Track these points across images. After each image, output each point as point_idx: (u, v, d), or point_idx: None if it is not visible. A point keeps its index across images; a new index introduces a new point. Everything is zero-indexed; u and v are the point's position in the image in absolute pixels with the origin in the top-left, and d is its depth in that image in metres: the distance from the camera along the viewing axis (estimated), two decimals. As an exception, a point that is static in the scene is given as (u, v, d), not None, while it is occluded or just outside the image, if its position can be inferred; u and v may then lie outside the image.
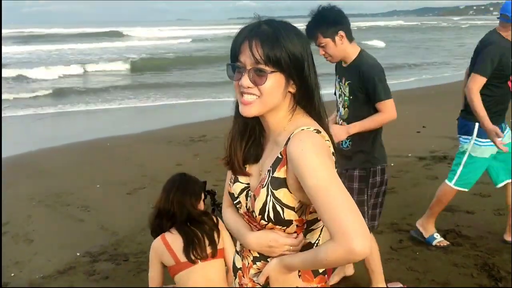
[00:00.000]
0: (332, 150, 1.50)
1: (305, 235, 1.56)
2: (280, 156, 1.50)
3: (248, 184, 1.63)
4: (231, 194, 1.68)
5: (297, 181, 1.44)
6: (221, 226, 2.75)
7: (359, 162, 3.23)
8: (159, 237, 2.70)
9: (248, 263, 1.66)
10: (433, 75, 17.46)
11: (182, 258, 2.62)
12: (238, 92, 1.52)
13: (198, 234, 2.67)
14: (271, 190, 1.50)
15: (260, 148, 1.63)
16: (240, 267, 1.70)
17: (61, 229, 4.91)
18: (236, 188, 1.65)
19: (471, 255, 3.86)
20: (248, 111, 1.50)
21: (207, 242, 2.67)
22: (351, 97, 3.18)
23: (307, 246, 1.55)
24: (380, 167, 3.23)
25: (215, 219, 2.78)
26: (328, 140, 1.50)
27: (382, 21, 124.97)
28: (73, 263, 4.16)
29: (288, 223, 1.51)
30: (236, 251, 1.77)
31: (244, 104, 1.50)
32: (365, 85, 3.10)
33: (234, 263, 1.76)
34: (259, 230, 1.59)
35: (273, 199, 1.50)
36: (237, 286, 1.72)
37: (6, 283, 3.89)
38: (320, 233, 1.59)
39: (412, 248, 4.09)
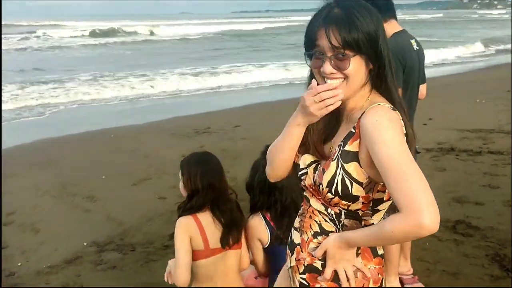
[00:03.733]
0: (404, 130, 1.49)
1: (370, 215, 1.57)
2: (353, 130, 1.51)
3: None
4: (295, 165, 1.68)
5: (369, 155, 1.43)
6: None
7: None
8: (189, 216, 2.50)
9: (308, 238, 1.66)
10: (438, 67, 17.34)
11: (213, 245, 2.51)
12: (320, 78, 1.53)
13: (236, 218, 2.59)
14: (341, 163, 1.50)
15: (336, 128, 1.63)
16: (299, 243, 1.70)
17: (68, 219, 4.89)
18: (305, 159, 1.66)
19: (481, 246, 3.82)
20: None
21: (236, 227, 2.59)
22: None
23: None
24: None
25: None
26: (401, 120, 1.50)
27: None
28: (80, 252, 4.14)
29: (355, 198, 1.51)
30: (294, 227, 1.77)
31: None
32: None
33: (292, 239, 1.76)
34: (322, 204, 1.61)
35: (343, 172, 1.50)
36: (294, 262, 1.71)
37: (13, 273, 3.87)
38: (383, 216, 1.59)
39: (422, 239, 4.05)
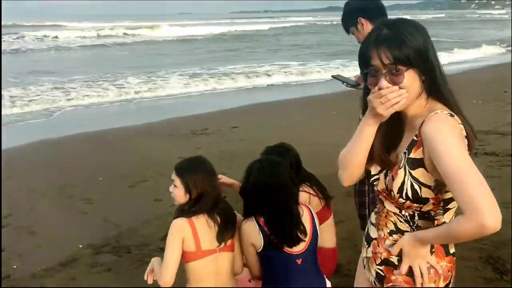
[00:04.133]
0: (464, 133, 1.62)
1: (442, 214, 1.70)
2: (415, 138, 1.65)
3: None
4: (367, 171, 1.82)
5: (432, 161, 1.57)
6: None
7: None
8: (185, 219, 2.53)
9: (384, 235, 1.82)
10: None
11: (204, 246, 2.54)
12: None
13: (230, 216, 2.63)
14: (408, 170, 1.64)
15: (399, 137, 1.76)
16: (375, 237, 1.86)
17: (64, 222, 4.91)
18: (377, 166, 1.80)
19: (475, 248, 3.83)
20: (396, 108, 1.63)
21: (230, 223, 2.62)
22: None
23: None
24: None
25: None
26: (460, 124, 1.62)
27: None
28: (76, 255, 4.16)
29: (425, 201, 1.65)
30: (371, 222, 1.93)
31: None
32: None
33: (368, 233, 1.93)
34: (396, 207, 1.75)
35: (411, 178, 1.64)
36: (370, 254, 1.88)
37: (8, 275, 3.89)
38: (454, 214, 1.71)
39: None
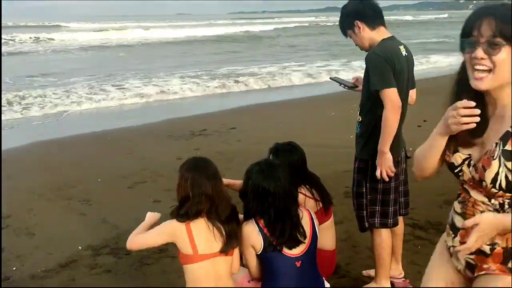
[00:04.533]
0: None
1: None
2: (510, 130, 1.66)
3: (469, 154, 1.80)
4: (450, 163, 1.86)
5: None
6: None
7: (358, 153, 3.26)
8: (183, 224, 2.55)
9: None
10: (432, 68, 17.40)
11: (201, 250, 2.55)
12: (470, 67, 1.69)
13: (234, 227, 2.63)
14: (503, 162, 1.67)
15: (485, 124, 1.75)
16: (462, 227, 1.86)
17: (63, 223, 4.91)
18: (457, 158, 1.83)
19: (472, 249, 3.85)
20: (480, 85, 1.66)
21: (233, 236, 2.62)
22: (363, 85, 3.25)
23: None
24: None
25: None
26: None
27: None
28: (75, 256, 4.16)
29: None
30: (456, 212, 1.93)
31: (477, 79, 1.66)
32: (366, 73, 3.16)
33: (454, 223, 1.93)
34: (485, 195, 1.78)
35: (506, 170, 1.67)
36: (458, 244, 1.88)
37: (8, 277, 3.89)
38: None
39: (413, 242, 4.10)
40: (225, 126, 8.91)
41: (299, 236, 2.64)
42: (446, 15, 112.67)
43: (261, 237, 2.63)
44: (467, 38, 1.67)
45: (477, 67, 1.65)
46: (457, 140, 1.81)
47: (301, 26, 55.01)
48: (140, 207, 5.18)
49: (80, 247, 4.31)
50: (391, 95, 3.01)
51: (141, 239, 2.71)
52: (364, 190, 3.27)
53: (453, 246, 1.92)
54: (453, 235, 1.93)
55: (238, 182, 2.99)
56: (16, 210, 5.17)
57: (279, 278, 2.67)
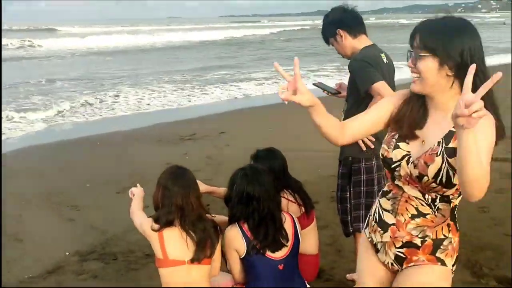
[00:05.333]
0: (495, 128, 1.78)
1: (457, 198, 1.91)
2: (454, 130, 1.79)
3: (408, 151, 1.92)
4: (387, 159, 1.98)
5: None
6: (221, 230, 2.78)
7: (342, 154, 3.32)
8: (157, 232, 2.62)
9: (405, 219, 1.96)
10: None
11: (172, 256, 2.61)
12: (411, 72, 1.88)
13: (210, 234, 2.67)
14: (446, 158, 1.81)
15: (424, 119, 1.92)
16: (393, 223, 1.99)
17: (51, 229, 4.92)
18: (397, 154, 1.95)
19: (455, 252, 3.92)
20: (413, 87, 1.88)
21: (208, 244, 2.67)
22: (348, 92, 3.31)
23: (454, 209, 1.93)
24: (364, 164, 3.27)
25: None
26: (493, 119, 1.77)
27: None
28: (62, 262, 4.18)
29: (453, 186, 1.85)
30: (384, 208, 2.04)
31: (412, 82, 1.88)
32: (350, 80, 3.20)
33: (382, 219, 2.03)
34: (419, 190, 1.92)
35: (448, 166, 1.81)
36: (388, 239, 2.01)
37: (-5, 283, 3.90)
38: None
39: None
40: (214, 130, 8.94)
41: (281, 239, 2.71)
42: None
43: (245, 241, 2.68)
44: (409, 48, 1.88)
45: (411, 74, 1.86)
46: (396, 134, 1.96)
47: (298, 30, 54.94)
48: (128, 212, 5.21)
49: (67, 253, 4.32)
50: (378, 87, 3.00)
51: (137, 219, 2.87)
52: (348, 195, 3.33)
53: (383, 242, 2.03)
54: (382, 231, 2.03)
55: (221, 189, 3.04)
56: (4, 216, 5.17)
57: (262, 281, 2.73)
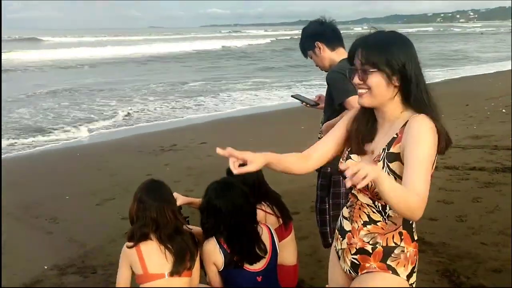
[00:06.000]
0: (436, 133, 1.83)
1: None
2: (395, 136, 1.88)
3: (360, 161, 1.96)
4: (341, 170, 1.91)
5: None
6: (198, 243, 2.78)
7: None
8: (133, 247, 2.64)
9: (358, 226, 2.00)
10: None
11: (152, 270, 2.62)
12: (356, 88, 1.92)
13: (188, 246, 2.68)
14: (386, 163, 1.87)
15: (374, 133, 1.99)
16: (349, 230, 2.04)
17: (29, 242, 4.86)
18: (349, 164, 1.89)
19: (433, 262, 3.96)
20: (361, 101, 1.93)
21: (188, 257, 2.68)
22: (325, 103, 3.34)
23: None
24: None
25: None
26: (435, 126, 1.83)
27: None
28: (40, 276, 4.12)
29: None
30: (344, 216, 2.10)
31: (359, 96, 1.92)
32: (328, 91, 3.24)
33: (342, 227, 2.10)
34: (370, 198, 1.96)
35: (388, 170, 1.86)
36: (346, 245, 2.05)
37: (-29, 298, 3.83)
38: None
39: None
40: (195, 141, 8.94)
41: (259, 251, 2.71)
42: (431, 28, 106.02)
43: (222, 254, 2.69)
44: (350, 67, 1.93)
45: (359, 90, 1.91)
46: (350, 148, 2.03)
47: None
48: (108, 224, 5.19)
49: (45, 267, 4.27)
50: (353, 102, 2.96)
51: (116, 283, 2.76)
52: (327, 207, 3.35)
53: (342, 249, 2.08)
54: (341, 238, 2.09)
55: (198, 200, 3.05)
56: (-19, 229, 5.09)
57: (241, 294, 2.73)
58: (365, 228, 1.98)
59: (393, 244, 1.95)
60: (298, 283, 3.49)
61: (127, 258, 2.67)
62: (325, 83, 3.26)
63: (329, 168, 3.30)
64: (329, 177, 3.30)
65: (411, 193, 1.69)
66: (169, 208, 2.69)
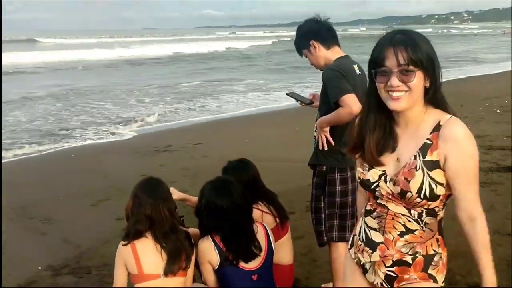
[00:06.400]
0: None
1: (441, 209, 1.89)
2: (429, 142, 1.80)
3: (384, 170, 1.89)
4: (365, 180, 1.94)
5: (445, 160, 1.78)
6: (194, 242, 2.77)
7: (315, 160, 3.34)
8: (128, 245, 2.62)
9: (394, 237, 1.90)
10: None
11: (147, 270, 2.60)
12: (384, 92, 1.80)
13: (184, 246, 2.66)
14: (426, 172, 1.79)
15: (394, 139, 1.89)
16: (382, 241, 1.93)
17: (23, 243, 4.84)
18: (373, 174, 1.92)
19: (428, 260, 3.96)
20: (398, 105, 1.79)
21: (183, 256, 2.67)
22: (320, 101, 3.33)
23: (440, 222, 1.91)
24: (339, 175, 3.30)
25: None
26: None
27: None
28: (35, 277, 4.10)
29: (437, 198, 1.82)
30: (370, 227, 1.97)
31: (394, 100, 1.78)
32: (323, 89, 3.23)
33: (370, 238, 1.97)
34: (404, 207, 1.87)
35: (429, 179, 1.79)
36: (378, 258, 1.94)
37: (-35, 300, 3.81)
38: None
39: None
40: (190, 141, 8.93)
41: (254, 249, 2.71)
42: (430, 30, 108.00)
43: (217, 253, 2.68)
44: (380, 69, 1.79)
45: (395, 93, 1.77)
46: (368, 156, 1.92)
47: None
48: (102, 225, 5.17)
49: (40, 268, 4.25)
50: (348, 100, 3.04)
51: (114, 283, 2.74)
52: (322, 205, 3.34)
53: (371, 262, 1.96)
54: (370, 251, 1.96)
55: (195, 199, 3.04)
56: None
57: (236, 293, 2.72)
58: (402, 239, 1.89)
59: (433, 252, 1.91)
60: (293, 283, 3.48)
61: (122, 257, 2.64)
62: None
63: (324, 167, 3.30)
64: (324, 175, 3.30)
65: (481, 232, 1.83)
66: (165, 206, 2.68)
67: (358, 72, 3.28)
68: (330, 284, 3.56)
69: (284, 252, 3.23)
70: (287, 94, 3.90)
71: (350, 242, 2.12)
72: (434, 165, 1.78)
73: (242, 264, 2.69)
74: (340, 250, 3.35)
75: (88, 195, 6.16)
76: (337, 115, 3.11)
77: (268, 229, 2.87)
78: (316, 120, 3.37)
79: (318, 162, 3.33)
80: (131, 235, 2.61)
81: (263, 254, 2.75)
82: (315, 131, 3.37)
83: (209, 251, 2.70)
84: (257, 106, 13.61)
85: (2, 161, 7.90)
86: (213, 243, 2.70)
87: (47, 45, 50.60)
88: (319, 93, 3.55)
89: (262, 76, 21.06)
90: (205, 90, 16.66)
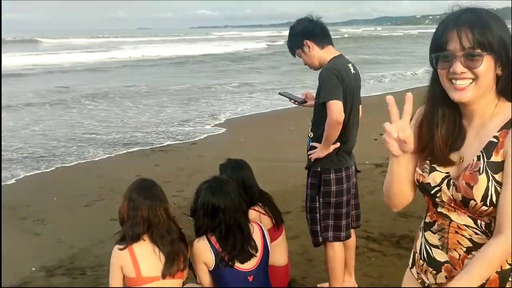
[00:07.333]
0: None
1: None
2: (495, 140, 1.53)
3: (447, 173, 1.62)
4: (425, 184, 1.65)
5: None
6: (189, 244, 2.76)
7: (311, 164, 3.33)
8: (125, 249, 2.60)
9: (460, 255, 1.62)
10: (389, 82, 17.83)
11: (145, 273, 2.57)
12: (446, 80, 1.54)
13: (180, 247, 2.65)
14: (491, 175, 1.51)
15: (462, 136, 1.62)
16: (446, 260, 1.66)
17: (16, 244, 4.79)
18: (436, 177, 1.63)
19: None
20: (463, 96, 1.51)
21: (181, 258, 2.65)
22: (315, 100, 3.33)
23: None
24: (335, 175, 3.29)
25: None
26: None
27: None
28: (28, 278, 4.06)
29: None
30: (431, 244, 1.71)
31: (458, 90, 1.51)
32: (318, 89, 3.24)
33: (433, 257, 1.69)
34: (469, 217, 1.59)
35: (495, 183, 1.51)
36: (444, 279, 1.66)
37: (-43, 301, 3.77)
38: None
39: (367, 254, 4.18)
40: (185, 142, 8.90)
41: (250, 249, 2.69)
42: (416, 32, 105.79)
43: (213, 253, 2.66)
44: (441, 53, 1.53)
45: (458, 82, 1.51)
46: (434, 158, 1.64)
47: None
48: (96, 225, 5.13)
49: (33, 269, 4.22)
50: (333, 107, 3.07)
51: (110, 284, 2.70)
52: (317, 205, 3.33)
53: (437, 284, 1.69)
54: (434, 272, 1.69)
55: None
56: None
57: (231, 294, 2.70)
58: (469, 256, 1.59)
59: (508, 266, 1.58)
60: (289, 283, 3.47)
61: (118, 261, 2.60)
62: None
63: (319, 168, 3.29)
64: (319, 176, 3.29)
65: (497, 250, 1.49)
66: (162, 206, 2.65)
67: (352, 71, 3.27)
68: (326, 284, 3.55)
69: (279, 254, 3.22)
70: (279, 93, 3.89)
71: (411, 260, 1.84)
72: (499, 166, 1.51)
73: (237, 265, 2.67)
74: (336, 249, 3.34)
75: (81, 196, 6.12)
76: (329, 131, 3.13)
77: (264, 229, 2.86)
78: (312, 121, 3.36)
79: (313, 165, 3.33)
80: (129, 239, 2.57)
81: (259, 254, 2.73)
82: (310, 132, 3.36)
83: (204, 252, 2.67)
84: (253, 105, 13.59)
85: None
86: (208, 244, 2.68)
87: (45, 47, 50.13)
88: (311, 92, 3.54)
89: (263, 76, 21.03)
90: (197, 91, 16.61)
